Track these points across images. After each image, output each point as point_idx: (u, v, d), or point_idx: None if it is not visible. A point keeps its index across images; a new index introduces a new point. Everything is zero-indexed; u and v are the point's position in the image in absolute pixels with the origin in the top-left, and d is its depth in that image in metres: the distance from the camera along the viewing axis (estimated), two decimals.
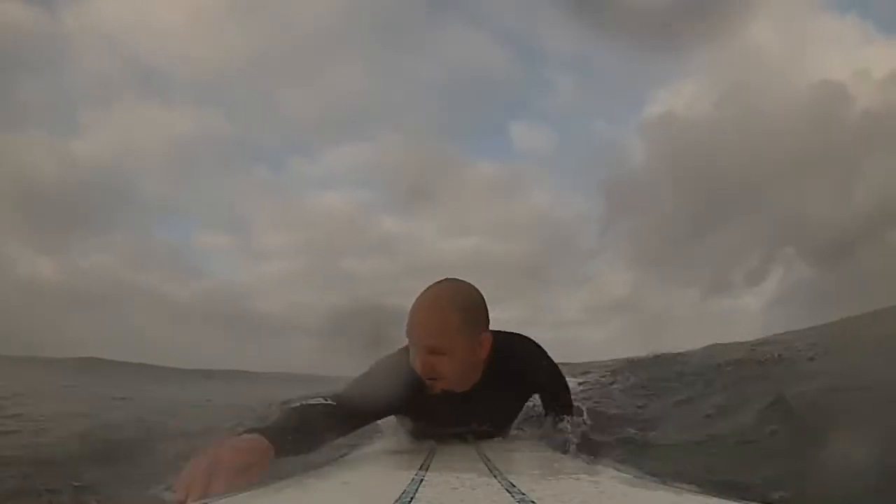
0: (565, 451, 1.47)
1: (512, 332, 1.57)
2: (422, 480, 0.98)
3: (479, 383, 1.44)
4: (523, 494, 0.82)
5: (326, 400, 1.25)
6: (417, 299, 1.40)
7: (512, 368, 1.49)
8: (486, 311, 1.45)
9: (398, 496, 0.83)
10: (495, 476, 1.01)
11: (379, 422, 1.67)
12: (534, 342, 1.62)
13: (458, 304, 1.39)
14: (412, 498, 0.82)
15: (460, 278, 1.48)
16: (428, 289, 1.42)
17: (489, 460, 1.22)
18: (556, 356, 1.61)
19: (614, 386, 3.57)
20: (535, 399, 1.79)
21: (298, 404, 1.23)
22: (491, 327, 1.47)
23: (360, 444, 2.06)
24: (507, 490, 0.87)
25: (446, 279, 1.45)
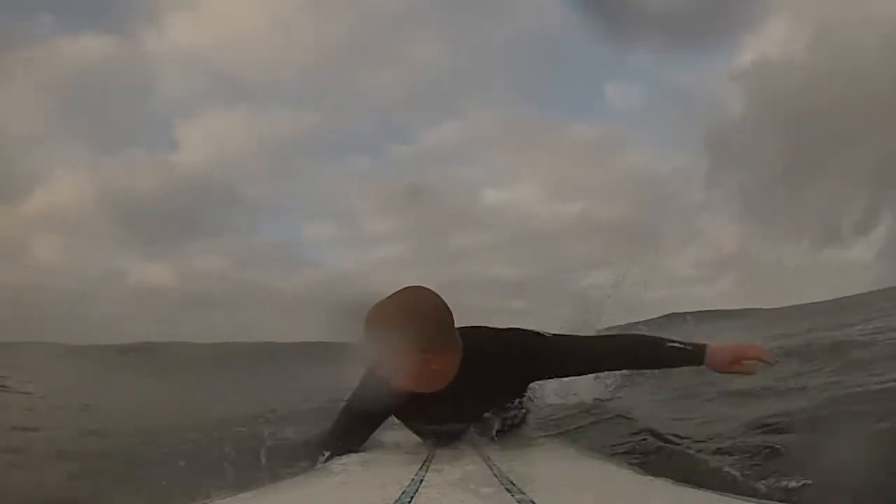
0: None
1: (479, 326, 1.51)
2: (422, 480, 0.98)
3: (458, 378, 1.40)
4: (523, 494, 0.82)
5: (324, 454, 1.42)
6: (379, 332, 1.32)
7: (489, 356, 1.43)
8: (451, 314, 1.40)
9: (398, 496, 0.83)
10: (495, 476, 1.01)
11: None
12: (501, 329, 1.55)
13: (423, 335, 1.32)
14: (412, 498, 0.82)
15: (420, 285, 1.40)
16: (388, 317, 1.33)
17: (489, 460, 1.22)
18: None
19: None
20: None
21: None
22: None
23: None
24: (508, 490, 0.87)
25: (404, 295, 1.36)
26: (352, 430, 1.54)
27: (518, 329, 1.57)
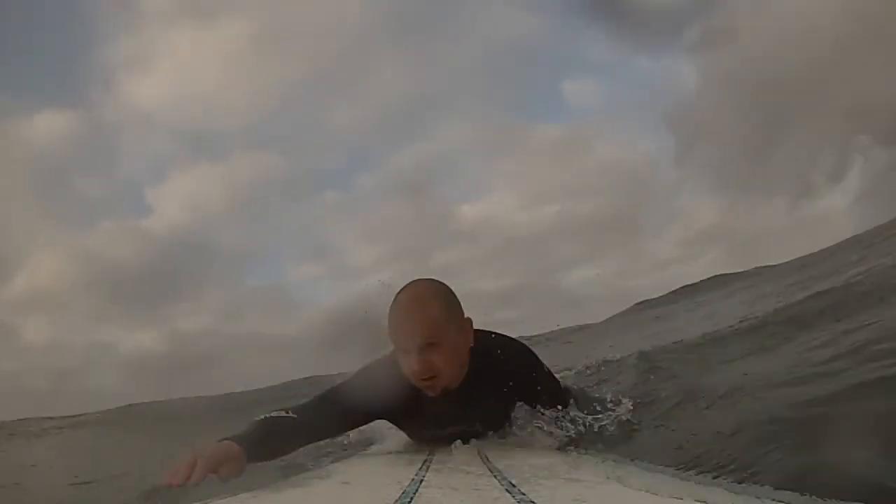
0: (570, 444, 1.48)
1: (488, 330, 1.58)
2: (422, 481, 0.98)
3: (467, 378, 1.47)
4: (523, 494, 0.82)
5: (288, 413, 1.35)
6: (395, 304, 1.43)
7: (495, 359, 1.50)
8: (457, 299, 1.49)
9: (398, 496, 0.83)
10: (495, 476, 1.01)
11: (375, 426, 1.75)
12: (510, 337, 1.61)
13: (435, 295, 1.43)
14: (412, 498, 0.82)
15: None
16: (401, 292, 1.45)
17: (489, 460, 1.22)
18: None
19: None
20: None
21: (263, 417, 1.32)
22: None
23: (361, 444, 2.06)
24: (508, 490, 0.87)
25: (412, 286, 1.47)
26: (330, 417, 1.43)
27: (525, 345, 1.61)
